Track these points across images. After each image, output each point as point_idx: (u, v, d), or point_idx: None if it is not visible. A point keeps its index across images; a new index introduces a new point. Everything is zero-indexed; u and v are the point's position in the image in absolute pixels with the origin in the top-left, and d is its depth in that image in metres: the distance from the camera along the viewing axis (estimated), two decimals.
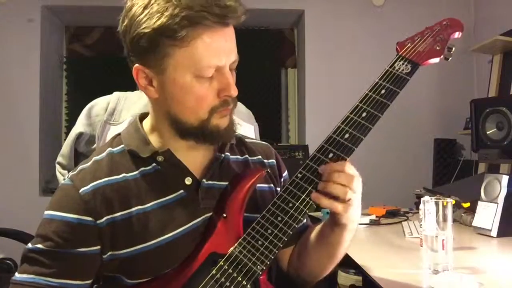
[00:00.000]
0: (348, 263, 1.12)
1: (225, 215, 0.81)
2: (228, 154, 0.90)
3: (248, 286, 0.76)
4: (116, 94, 1.23)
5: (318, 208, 1.96)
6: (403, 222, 1.74)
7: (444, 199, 1.06)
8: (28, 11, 2.99)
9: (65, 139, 1.23)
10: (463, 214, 1.69)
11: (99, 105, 1.20)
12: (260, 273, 0.77)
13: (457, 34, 0.86)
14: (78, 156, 1.19)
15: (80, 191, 0.78)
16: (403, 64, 0.83)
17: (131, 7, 0.76)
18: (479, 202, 1.51)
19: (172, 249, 0.79)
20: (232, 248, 0.78)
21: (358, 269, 1.21)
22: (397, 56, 0.85)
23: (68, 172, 0.85)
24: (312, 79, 3.08)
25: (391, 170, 2.87)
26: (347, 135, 0.79)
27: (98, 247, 0.78)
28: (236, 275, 0.76)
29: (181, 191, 0.82)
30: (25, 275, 0.75)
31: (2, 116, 2.97)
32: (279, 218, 0.78)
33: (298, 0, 3.10)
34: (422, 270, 1.09)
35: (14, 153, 2.96)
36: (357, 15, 3.07)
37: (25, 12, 2.99)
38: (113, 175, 0.81)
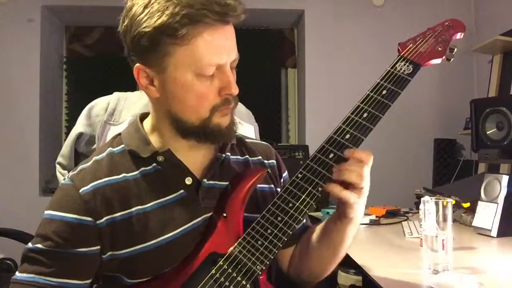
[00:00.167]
0: (348, 263, 1.12)
1: (225, 215, 0.81)
2: (229, 154, 0.90)
3: (248, 286, 0.76)
4: (116, 94, 1.23)
5: (318, 208, 1.96)
6: (403, 222, 1.74)
7: (444, 199, 1.06)
8: (28, 11, 2.99)
9: (65, 139, 1.23)
10: (463, 214, 1.69)
11: (99, 105, 1.20)
12: (260, 273, 0.77)
13: (459, 35, 0.86)
14: (78, 156, 1.19)
15: (80, 191, 0.78)
16: (404, 64, 0.83)
17: (132, 7, 0.76)
18: (479, 202, 1.51)
19: (172, 249, 0.79)
20: (232, 248, 0.78)
21: (358, 269, 1.21)
22: (399, 57, 0.85)
23: (68, 172, 0.85)
24: (312, 79, 3.08)
25: (391, 170, 2.87)
26: (348, 136, 0.79)
27: (98, 247, 0.78)
28: (235, 275, 0.76)
29: (182, 191, 0.82)
30: (25, 275, 0.75)
31: (2, 116, 2.97)
32: (279, 218, 0.78)
33: (298, 0, 3.10)
34: (422, 270, 1.09)
35: (14, 153, 2.96)
36: (357, 15, 3.07)
37: (25, 12, 2.99)
38: (113, 175, 0.81)
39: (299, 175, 0.80)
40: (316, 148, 0.81)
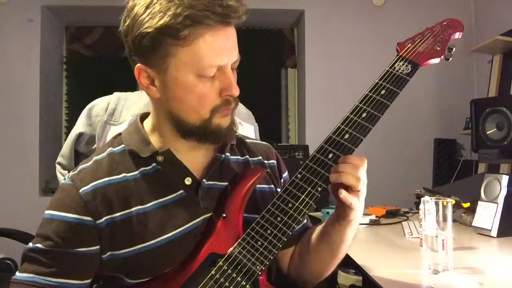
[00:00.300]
0: (348, 263, 1.12)
1: (224, 215, 0.81)
2: (229, 154, 0.90)
3: (248, 286, 0.76)
4: (116, 94, 1.23)
5: (318, 208, 1.96)
6: (403, 222, 1.74)
7: (444, 199, 1.06)
8: (28, 11, 2.99)
9: (65, 139, 1.23)
10: (463, 214, 1.69)
11: (99, 105, 1.20)
12: (260, 273, 0.77)
13: (457, 35, 0.86)
14: (78, 156, 1.19)
15: (80, 191, 0.78)
16: (403, 64, 0.83)
17: (133, 7, 0.76)
18: (479, 202, 1.51)
19: (172, 249, 0.79)
20: (231, 249, 0.78)
21: (358, 269, 1.21)
22: (397, 57, 0.85)
23: (68, 172, 0.85)
24: (312, 79, 3.08)
25: (391, 170, 2.87)
26: (347, 136, 0.79)
27: (98, 247, 0.78)
28: (235, 275, 0.76)
29: (181, 191, 0.82)
30: (24, 274, 0.76)
31: (2, 116, 2.97)
32: (279, 219, 0.78)
33: (298, 0, 3.10)
34: (422, 270, 1.09)
35: (14, 153, 2.96)
36: (357, 15, 3.07)
37: (25, 12, 2.99)
38: (113, 175, 0.81)
39: (299, 176, 0.80)
40: (316, 148, 0.81)
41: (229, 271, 0.77)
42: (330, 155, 0.79)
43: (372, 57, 2.69)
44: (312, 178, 0.78)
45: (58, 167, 1.20)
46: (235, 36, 0.78)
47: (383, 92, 0.81)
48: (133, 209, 0.79)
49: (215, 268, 0.77)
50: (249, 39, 3.23)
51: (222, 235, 0.80)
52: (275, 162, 0.99)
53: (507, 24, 2.51)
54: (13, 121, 2.98)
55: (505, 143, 1.88)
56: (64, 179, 0.83)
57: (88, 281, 0.79)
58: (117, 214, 0.78)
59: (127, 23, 0.77)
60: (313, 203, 0.78)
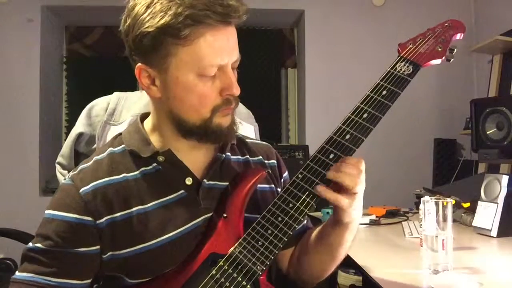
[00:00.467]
0: (348, 263, 1.12)
1: (225, 215, 0.81)
2: (229, 154, 0.90)
3: (248, 286, 0.76)
4: (116, 94, 1.23)
5: (318, 208, 1.96)
6: (403, 222, 1.74)
7: (444, 199, 1.06)
8: (28, 11, 2.99)
9: (65, 139, 1.23)
10: (463, 214, 1.69)
11: (99, 105, 1.20)
12: (260, 273, 0.77)
13: (459, 36, 0.87)
14: (78, 156, 1.19)
15: (81, 191, 0.78)
16: (404, 65, 0.83)
17: (134, 7, 0.76)
18: (479, 202, 1.51)
19: (172, 249, 0.79)
20: (232, 249, 0.78)
21: (358, 269, 1.21)
22: (399, 57, 0.85)
23: (68, 172, 0.85)
24: (312, 79, 3.08)
25: (391, 170, 2.87)
26: (348, 136, 0.79)
27: (98, 247, 0.78)
28: (236, 275, 0.76)
29: (182, 191, 0.82)
30: (24, 274, 0.76)
31: (2, 116, 2.97)
32: (280, 219, 0.78)
33: (298, 0, 3.10)
34: (422, 270, 1.09)
35: (14, 153, 2.96)
36: (357, 15, 3.07)
37: (25, 12, 2.99)
38: (114, 175, 0.81)
39: (299, 176, 0.80)
40: (317, 149, 0.81)
41: (230, 271, 0.77)
42: (331, 156, 0.79)
43: (372, 57, 2.69)
44: (313, 179, 0.78)
45: (58, 167, 1.20)
46: (236, 36, 0.78)
47: (384, 92, 0.81)
48: (134, 209, 0.79)
49: (215, 268, 0.77)
50: (249, 39, 3.23)
51: (222, 235, 0.80)
52: (275, 162, 0.99)
53: (507, 24, 2.51)
54: (13, 121, 2.98)
55: (505, 143, 1.88)
56: (64, 179, 0.83)
57: (88, 281, 0.79)
58: (118, 214, 0.78)
59: (127, 22, 0.77)
60: (314, 203, 0.78)
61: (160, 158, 0.82)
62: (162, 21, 0.72)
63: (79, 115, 1.20)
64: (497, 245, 1.39)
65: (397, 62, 0.84)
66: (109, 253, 0.78)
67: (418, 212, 1.73)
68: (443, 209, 1.04)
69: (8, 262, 1.98)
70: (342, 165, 0.76)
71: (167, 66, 0.76)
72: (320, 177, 0.78)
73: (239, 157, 0.93)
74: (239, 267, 0.77)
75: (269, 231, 0.78)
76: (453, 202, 1.09)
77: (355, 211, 0.79)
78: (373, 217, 1.82)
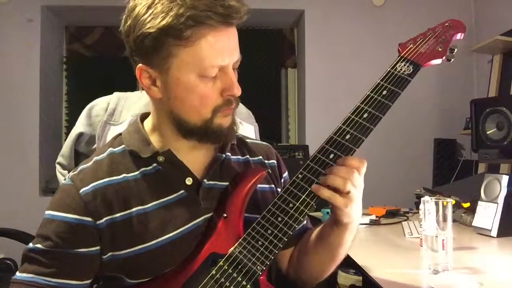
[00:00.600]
0: (348, 263, 1.12)
1: (225, 215, 0.81)
2: (229, 154, 0.90)
3: (248, 286, 0.76)
4: (116, 94, 1.23)
5: (318, 208, 1.96)
6: (403, 222, 1.74)
7: (444, 199, 1.06)
8: (28, 11, 2.99)
9: (65, 139, 1.23)
10: (463, 214, 1.69)
11: (99, 105, 1.20)
12: (260, 273, 0.77)
13: (459, 36, 0.86)
14: (78, 156, 1.19)
15: (81, 191, 0.78)
16: (405, 65, 0.83)
17: (135, 7, 0.76)
18: (479, 202, 1.51)
19: (172, 249, 0.79)
20: (232, 248, 0.78)
21: (358, 269, 1.21)
22: (399, 57, 0.85)
23: (68, 172, 0.85)
24: (312, 79, 3.08)
25: (391, 170, 2.87)
26: (348, 136, 0.79)
27: (98, 247, 0.78)
28: (236, 275, 0.76)
29: (182, 191, 0.82)
30: (24, 274, 0.76)
31: (2, 116, 2.97)
32: (279, 219, 0.78)
33: (298, 0, 3.10)
34: (422, 270, 1.09)
35: (14, 153, 2.96)
36: (357, 15, 3.07)
37: (25, 12, 2.99)
38: (114, 175, 0.81)
39: (299, 176, 0.80)
40: (317, 149, 0.81)
41: (230, 271, 0.77)
42: (331, 156, 0.79)
43: (372, 57, 2.69)
44: (313, 179, 0.78)
45: (58, 167, 1.20)
46: (237, 36, 0.78)
47: (384, 92, 0.81)
48: (134, 209, 0.79)
49: (215, 268, 0.77)
50: (249, 39, 3.23)
51: (222, 235, 0.80)
52: (275, 162, 0.99)
53: (507, 24, 2.51)
54: (13, 121, 2.98)
55: (505, 143, 1.88)
56: (64, 179, 0.83)
57: (88, 281, 0.79)
58: (118, 215, 0.78)
59: (128, 23, 0.77)
60: (313, 203, 0.78)
61: (160, 158, 0.82)
62: (163, 22, 0.72)
63: (79, 115, 1.20)
64: (497, 245, 1.39)
65: (397, 62, 0.84)
66: (109, 254, 0.78)
67: (418, 212, 1.72)
68: (443, 209, 1.04)
69: (8, 262, 1.98)
70: (333, 169, 0.77)
71: (168, 67, 0.76)
72: (320, 177, 0.78)
73: (239, 157, 0.93)
74: (239, 267, 0.77)
75: (269, 231, 0.78)
76: (453, 202, 1.09)
77: (353, 211, 0.79)
78: (373, 217, 1.82)
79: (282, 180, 0.99)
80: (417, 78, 0.83)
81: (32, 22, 2.99)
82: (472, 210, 1.61)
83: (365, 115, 0.80)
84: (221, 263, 0.77)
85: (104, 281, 0.84)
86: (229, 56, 0.77)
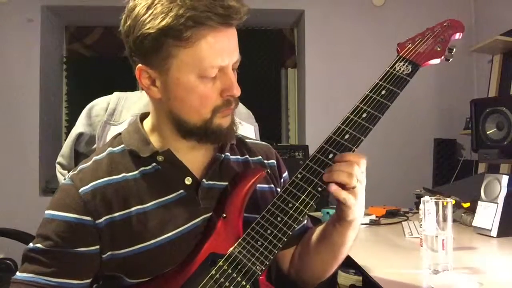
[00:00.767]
0: (348, 263, 1.12)
1: (224, 215, 0.81)
2: (228, 154, 0.90)
3: (248, 286, 0.76)
4: (116, 94, 1.23)
5: (318, 208, 1.96)
6: (403, 222, 1.74)
7: (444, 199, 1.06)
8: (28, 11, 2.99)
9: (65, 139, 1.23)
10: (463, 214, 1.69)
11: (99, 105, 1.20)
12: (260, 273, 0.77)
13: (458, 35, 0.87)
14: (78, 156, 1.19)
15: (80, 191, 0.78)
16: (403, 65, 0.83)
17: (134, 7, 0.76)
18: (479, 202, 1.51)
19: (172, 249, 0.79)
20: (231, 249, 0.78)
21: (358, 269, 1.21)
22: (398, 57, 0.85)
23: (68, 172, 0.85)
24: (312, 79, 3.09)
25: (391, 170, 2.87)
26: (347, 136, 0.79)
27: (97, 247, 0.78)
28: (235, 275, 0.76)
29: (181, 191, 0.82)
30: (25, 274, 0.76)
31: (2, 116, 2.97)
32: (279, 219, 0.78)
33: (298, 0, 3.10)
34: (422, 270, 1.09)
35: (14, 153, 2.96)
36: (357, 15, 3.07)
37: (25, 12, 2.99)
38: (113, 175, 0.81)
39: (299, 176, 0.80)
40: (316, 149, 0.81)
41: (229, 271, 0.77)
42: (331, 155, 0.79)
43: (372, 57, 2.69)
44: (312, 178, 0.78)
45: (58, 167, 1.20)
46: (236, 37, 0.78)
47: (383, 92, 0.81)
48: (133, 209, 0.79)
49: (215, 268, 0.77)
50: (249, 39, 3.23)
51: (222, 235, 0.80)
52: (275, 162, 0.99)
53: (507, 24, 2.51)
54: (13, 121, 2.98)
55: (505, 143, 1.88)
56: (64, 179, 0.83)
57: (88, 281, 0.79)
58: (117, 214, 0.78)
59: (128, 23, 0.77)
60: (313, 203, 0.78)
61: (160, 158, 0.82)
62: (163, 23, 0.72)
63: (79, 115, 1.20)
64: (497, 245, 1.39)
65: (396, 62, 0.84)
66: (108, 253, 0.78)
67: (418, 212, 1.73)
68: (443, 209, 1.04)
69: (8, 262, 1.98)
70: (335, 164, 0.77)
71: (168, 67, 0.76)
72: (319, 177, 0.78)
73: (239, 157, 0.93)
74: (239, 267, 0.77)
75: (269, 231, 0.78)
76: (453, 202, 1.09)
77: (358, 207, 0.79)
78: (373, 217, 1.82)
79: (282, 180, 0.99)
80: (416, 78, 0.84)
81: (32, 22, 2.99)
82: (472, 210, 1.61)
83: (364, 115, 0.80)
84: (220, 263, 0.77)
85: (104, 281, 0.84)
86: (229, 56, 0.77)
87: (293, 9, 3.13)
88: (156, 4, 0.73)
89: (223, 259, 0.78)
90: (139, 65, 0.78)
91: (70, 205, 0.77)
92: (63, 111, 3.37)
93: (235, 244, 0.78)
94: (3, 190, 2.88)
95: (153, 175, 0.82)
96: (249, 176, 0.85)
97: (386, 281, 1.01)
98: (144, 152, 0.82)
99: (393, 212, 1.94)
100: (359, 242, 1.43)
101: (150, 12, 0.73)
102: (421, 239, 1.28)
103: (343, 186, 0.76)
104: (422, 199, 1.16)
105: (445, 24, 0.87)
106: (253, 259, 0.77)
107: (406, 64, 0.83)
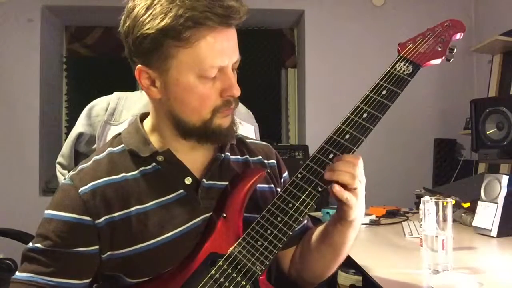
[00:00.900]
0: (348, 263, 1.12)
1: (224, 215, 0.81)
2: (228, 154, 0.90)
3: (248, 286, 0.76)
4: (116, 94, 1.23)
5: (318, 208, 1.96)
6: (403, 222, 1.74)
7: (444, 199, 1.06)
8: (28, 11, 2.99)
9: (65, 139, 1.23)
10: (463, 214, 1.69)
11: (99, 105, 1.20)
12: (260, 273, 0.77)
13: (458, 35, 0.87)
14: (78, 156, 1.19)
15: (80, 190, 0.78)
16: (404, 65, 0.83)
17: (134, 8, 0.76)
18: (479, 202, 1.51)
19: (172, 248, 0.79)
20: (231, 248, 0.78)
21: (358, 269, 1.21)
22: (399, 57, 0.85)
23: (68, 172, 0.85)
24: (312, 79, 3.08)
25: (391, 170, 2.87)
26: (347, 136, 0.79)
27: (97, 246, 0.78)
28: (235, 275, 0.76)
29: (181, 190, 0.82)
30: (24, 274, 0.76)
31: (2, 116, 2.97)
32: (279, 219, 0.78)
33: (298, 0, 3.10)
34: (422, 270, 1.09)
35: (14, 153, 2.96)
36: (357, 15, 3.07)
37: (25, 12, 2.99)
38: (113, 174, 0.81)
39: (299, 176, 0.80)
40: (316, 149, 0.81)
41: (229, 271, 0.77)
42: (331, 155, 0.79)
43: (372, 57, 2.69)
44: (312, 178, 0.78)
45: (58, 167, 1.20)
46: (236, 37, 0.78)
47: (384, 92, 0.81)
48: (133, 208, 0.79)
49: (215, 268, 0.77)
50: (249, 39, 3.23)
51: (222, 235, 0.80)
52: (275, 162, 0.99)
53: (507, 24, 2.51)
54: (13, 121, 2.98)
55: (505, 143, 1.87)
56: (64, 179, 0.83)
57: (88, 280, 0.79)
58: (116, 214, 0.78)
59: (127, 24, 0.77)
60: (313, 203, 0.78)
61: (160, 158, 0.82)
62: (162, 23, 0.72)
63: (79, 115, 1.20)
64: (497, 245, 1.39)
65: (396, 62, 0.84)
66: (108, 253, 0.78)
67: (418, 212, 1.72)
68: (443, 209, 1.04)
69: (8, 262, 1.98)
70: (336, 164, 0.77)
71: (168, 68, 0.76)
72: (319, 177, 0.78)
73: (239, 157, 0.93)
74: (239, 267, 0.77)
75: (269, 231, 0.78)
76: (453, 202, 1.09)
77: (359, 207, 0.79)
78: (373, 217, 1.82)
79: (282, 180, 0.99)
80: (417, 78, 0.83)
81: (32, 22, 2.99)
82: (472, 210, 1.61)
83: (365, 115, 0.80)
84: (220, 263, 0.77)
85: (104, 281, 0.84)
86: (229, 57, 0.77)
87: (293, 9, 3.13)
88: (155, 5, 0.73)
89: (223, 259, 0.78)
90: (139, 65, 0.78)
91: (69, 205, 0.77)
92: (63, 111, 3.37)
93: (235, 244, 0.78)
94: (3, 190, 2.88)
95: (153, 175, 0.82)
96: (249, 176, 0.85)
97: (386, 281, 1.01)
98: (144, 152, 0.82)
99: (393, 212, 1.94)
100: (359, 242, 1.43)
101: (149, 12, 0.73)
102: (421, 239, 1.28)
103: (344, 187, 0.76)
104: (422, 199, 1.16)
105: (446, 24, 0.87)
106: (253, 259, 0.77)
107: (407, 64, 0.83)
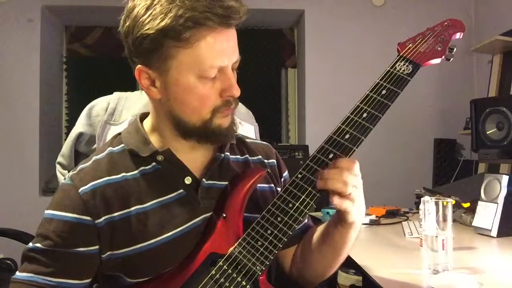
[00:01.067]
0: (348, 263, 1.12)
1: (224, 215, 0.81)
2: (228, 154, 0.90)
3: (248, 286, 0.76)
4: (116, 94, 1.23)
5: (318, 208, 1.96)
6: (403, 222, 1.74)
7: (444, 199, 1.06)
8: (28, 11, 2.99)
9: (65, 139, 1.23)
10: (463, 214, 1.69)
11: (99, 105, 1.20)
12: (260, 273, 0.77)
13: (458, 35, 0.86)
14: (78, 156, 1.19)
15: (80, 190, 0.78)
16: (404, 64, 0.83)
17: (133, 8, 0.76)
18: (479, 202, 1.51)
19: (172, 248, 0.79)
20: (231, 249, 0.78)
21: (358, 269, 1.21)
22: (398, 57, 0.84)
23: (69, 172, 0.85)
24: (312, 79, 3.08)
25: (391, 170, 2.87)
26: (347, 136, 0.79)
27: (97, 246, 0.78)
28: (235, 275, 0.76)
29: (181, 190, 0.82)
30: (24, 274, 0.76)
31: (2, 116, 2.97)
32: (279, 219, 0.78)
33: (298, 0, 3.10)
34: (422, 270, 1.09)
35: (14, 153, 2.96)
36: (357, 15, 3.07)
37: (25, 12, 2.99)
38: (113, 174, 0.81)
39: (299, 176, 0.80)
40: (316, 148, 0.81)
41: (229, 271, 0.77)
42: (331, 155, 0.79)
43: (372, 57, 2.69)
44: (312, 178, 0.78)
45: (58, 167, 1.20)
46: (236, 37, 0.78)
47: (383, 92, 0.81)
48: (133, 208, 0.79)
49: (215, 268, 0.77)
50: (249, 39, 3.23)
51: (222, 235, 0.80)
52: (275, 161, 0.99)
53: (507, 24, 2.51)
54: (13, 121, 2.98)
55: (505, 143, 1.87)
56: (64, 179, 0.83)
57: (88, 280, 0.79)
58: (116, 214, 0.78)
59: (127, 24, 0.77)
60: (313, 203, 0.78)
61: (159, 158, 0.82)
62: (162, 24, 0.72)
63: (79, 115, 1.20)
64: (497, 245, 1.39)
65: (396, 62, 0.84)
66: (108, 253, 0.78)
67: (418, 212, 1.72)
68: (443, 209, 1.04)
69: (8, 262, 1.98)
70: (327, 172, 0.76)
71: (168, 68, 0.76)
72: (317, 179, 0.78)
73: (239, 156, 0.93)
74: (239, 267, 0.77)
75: (269, 231, 0.77)
76: (453, 202, 1.09)
77: (357, 210, 0.79)
78: (373, 217, 1.82)
79: (282, 180, 0.98)
80: (417, 78, 0.83)
81: (32, 22, 2.99)
82: (472, 210, 1.61)
83: (365, 115, 0.80)
84: (220, 263, 0.77)
85: (104, 281, 0.84)
86: (229, 57, 0.77)
87: (293, 9, 3.13)
88: (155, 5, 0.73)
89: (223, 259, 0.78)
90: (139, 65, 0.78)
91: (69, 205, 0.77)
92: (63, 111, 3.37)
93: (235, 244, 0.78)
94: (3, 190, 2.88)
95: (153, 174, 0.82)
96: (249, 176, 0.85)
97: (386, 281, 1.01)
98: (144, 151, 0.82)
99: (393, 212, 1.94)
100: (359, 242, 1.42)
101: (149, 12, 0.73)
102: (421, 239, 1.28)
103: (339, 193, 0.76)
104: (422, 199, 1.16)
105: (445, 23, 0.87)
106: (253, 259, 0.77)
107: (407, 63, 0.83)
